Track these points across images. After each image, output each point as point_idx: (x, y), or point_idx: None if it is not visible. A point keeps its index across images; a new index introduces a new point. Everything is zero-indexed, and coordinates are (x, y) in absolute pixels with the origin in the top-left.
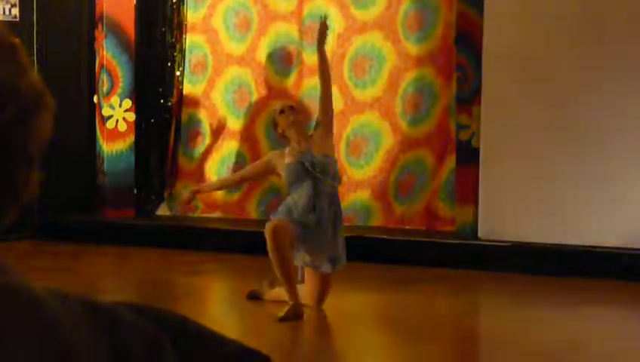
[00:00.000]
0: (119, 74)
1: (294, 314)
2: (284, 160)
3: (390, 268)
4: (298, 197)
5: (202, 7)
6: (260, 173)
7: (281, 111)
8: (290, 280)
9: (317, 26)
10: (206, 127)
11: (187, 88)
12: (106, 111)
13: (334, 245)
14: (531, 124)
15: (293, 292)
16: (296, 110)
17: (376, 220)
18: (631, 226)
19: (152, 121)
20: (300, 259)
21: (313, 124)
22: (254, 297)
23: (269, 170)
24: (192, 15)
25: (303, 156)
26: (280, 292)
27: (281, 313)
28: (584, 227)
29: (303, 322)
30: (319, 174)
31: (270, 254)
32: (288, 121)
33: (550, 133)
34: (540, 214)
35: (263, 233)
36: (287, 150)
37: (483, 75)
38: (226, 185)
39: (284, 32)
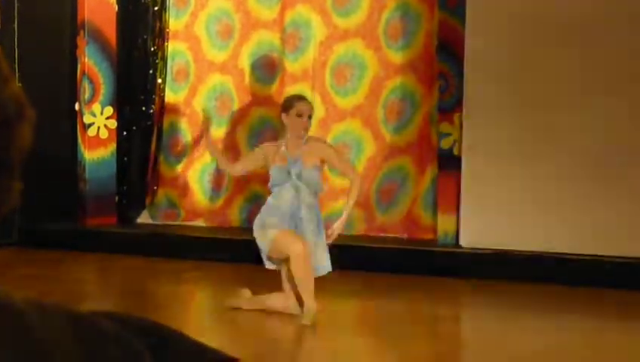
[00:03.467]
0: (101, 81)
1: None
2: (275, 158)
3: (372, 276)
4: (279, 202)
5: (184, 14)
6: (258, 165)
7: (300, 115)
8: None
9: (298, 33)
10: (188, 135)
11: (169, 96)
12: (87, 118)
13: (319, 255)
14: (513, 132)
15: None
16: (311, 119)
17: (358, 228)
18: (612, 234)
19: (134, 128)
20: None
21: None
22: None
23: (263, 163)
24: (174, 22)
25: (293, 164)
26: (260, 300)
27: (306, 320)
28: (566, 235)
29: (285, 331)
30: (303, 185)
31: (303, 265)
32: (302, 126)
33: (532, 142)
34: (522, 222)
35: (245, 241)
36: (282, 148)
37: (465, 83)
38: (225, 167)
39: (266, 39)
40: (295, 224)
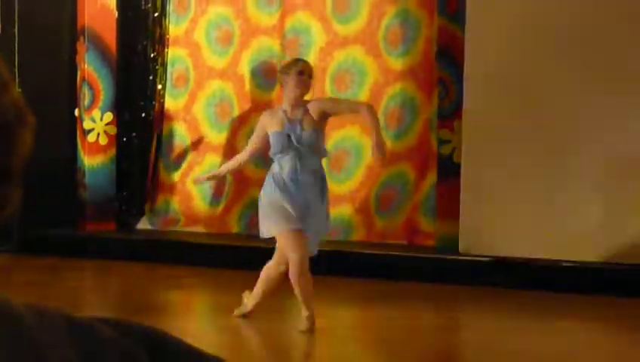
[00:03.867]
0: (100, 87)
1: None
2: (272, 124)
3: (371, 282)
4: (281, 170)
5: (184, 20)
6: (265, 142)
7: (301, 73)
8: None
9: (298, 40)
10: (187, 141)
11: (168, 102)
12: (87, 124)
13: (319, 220)
14: (512, 138)
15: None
16: (312, 80)
17: (358, 235)
18: (610, 241)
19: (134, 134)
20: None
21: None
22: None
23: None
24: (174, 29)
25: (291, 127)
26: (258, 289)
27: (304, 326)
28: (564, 242)
29: (282, 337)
30: (304, 149)
31: (301, 274)
32: (300, 86)
33: (531, 148)
34: (520, 229)
35: (245, 247)
36: (279, 113)
37: (464, 89)
38: (237, 166)
39: (265, 46)
40: (302, 190)
